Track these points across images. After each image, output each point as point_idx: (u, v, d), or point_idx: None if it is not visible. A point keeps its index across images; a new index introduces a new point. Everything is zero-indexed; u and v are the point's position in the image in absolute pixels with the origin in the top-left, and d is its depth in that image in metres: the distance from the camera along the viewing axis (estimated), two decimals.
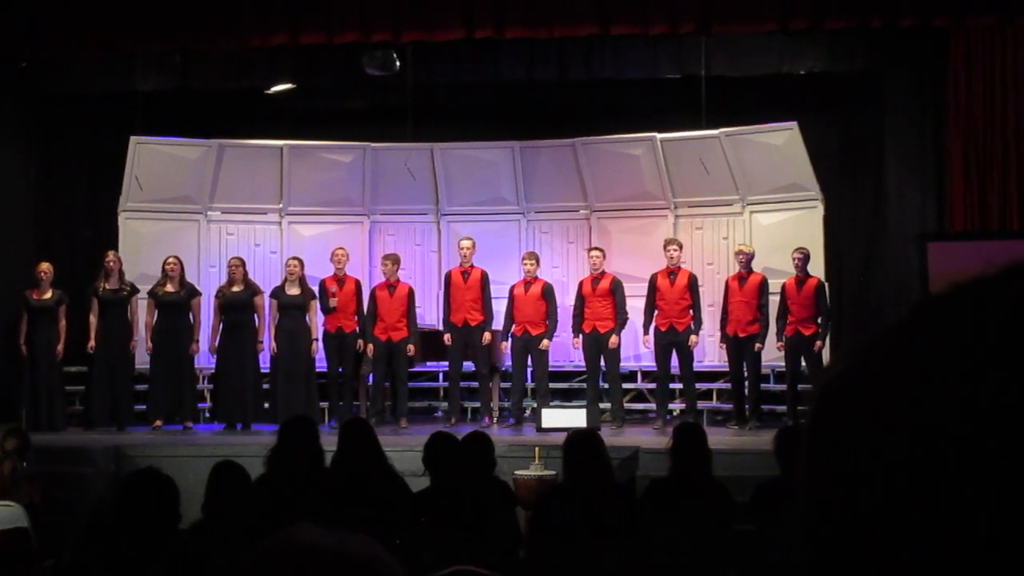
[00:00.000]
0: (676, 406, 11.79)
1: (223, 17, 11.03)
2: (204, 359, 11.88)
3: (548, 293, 11.52)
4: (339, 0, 10.92)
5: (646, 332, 11.42)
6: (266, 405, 11.41)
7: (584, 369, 11.76)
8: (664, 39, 11.74)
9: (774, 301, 11.23)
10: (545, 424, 10.73)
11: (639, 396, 12.58)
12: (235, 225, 13.11)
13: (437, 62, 12.58)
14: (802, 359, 10.98)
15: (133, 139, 12.46)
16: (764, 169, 12.15)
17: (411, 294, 11.69)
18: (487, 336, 11.54)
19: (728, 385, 11.71)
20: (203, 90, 12.87)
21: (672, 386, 11.69)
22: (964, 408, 0.63)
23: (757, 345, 11.11)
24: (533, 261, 11.64)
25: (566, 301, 12.00)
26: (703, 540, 5.33)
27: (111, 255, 11.58)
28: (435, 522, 5.29)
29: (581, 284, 11.66)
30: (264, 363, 11.53)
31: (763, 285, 11.25)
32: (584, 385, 11.82)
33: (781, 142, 12.02)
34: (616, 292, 11.38)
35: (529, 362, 11.58)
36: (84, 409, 11.70)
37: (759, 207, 12.36)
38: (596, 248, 11.83)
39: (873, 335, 0.70)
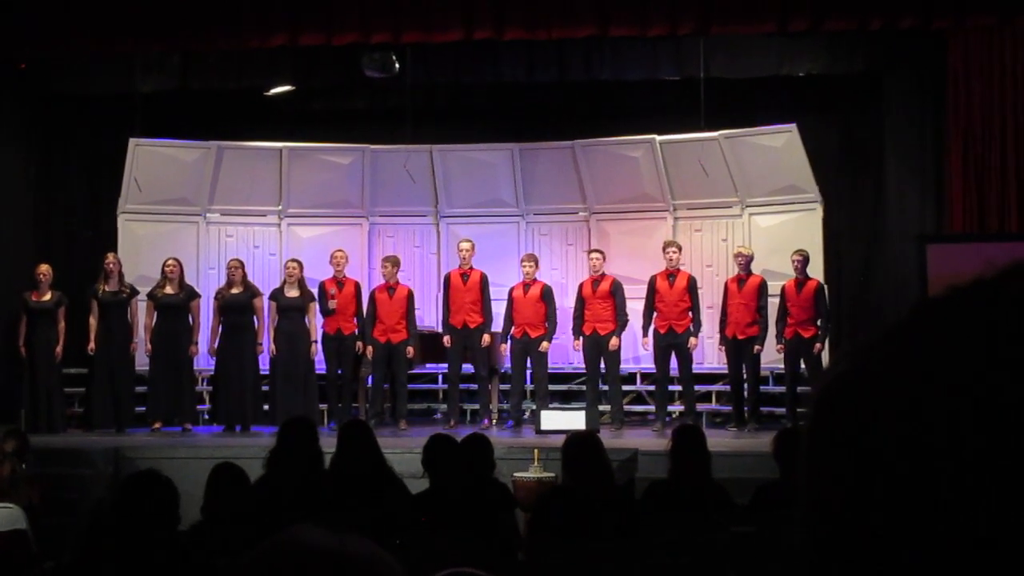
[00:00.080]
0: (675, 408, 11.79)
1: (222, 18, 11.02)
2: (203, 361, 11.88)
3: (547, 295, 11.52)
4: (338, 1, 10.92)
5: (645, 334, 11.42)
6: (265, 407, 11.40)
7: (583, 371, 11.76)
8: (663, 40, 11.75)
9: (773, 303, 11.23)
10: (544, 426, 10.72)
11: (638, 398, 12.58)
12: (234, 227, 13.11)
13: (436, 63, 12.59)
14: (801, 361, 10.98)
15: (132, 141, 12.46)
16: (763, 171, 12.15)
17: (410, 296, 11.69)
18: (486, 338, 11.54)
19: (727, 387, 11.72)
20: (202, 91, 12.88)
21: (671, 388, 11.69)
22: (964, 409, 0.63)
23: (756, 347, 11.11)
24: (532, 263, 11.64)
25: (565, 303, 12.00)
26: (702, 542, 5.33)
27: (111, 257, 11.58)
28: (434, 524, 5.29)
29: (581, 286, 11.66)
30: (263, 365, 11.53)
31: (762, 287, 11.25)
32: (583, 387, 11.82)
33: (780, 144, 12.03)
34: (616, 294, 11.38)
35: (528, 364, 11.58)
36: (85, 411, 11.69)
37: (758, 209, 12.37)
38: (596, 250, 11.83)
39: (872, 337, 0.70)
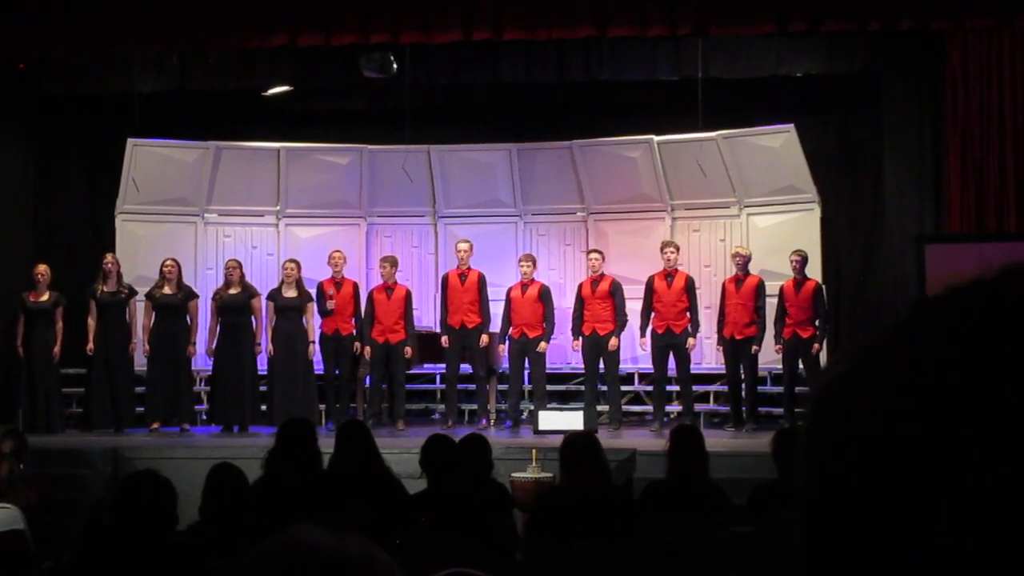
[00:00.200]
0: (673, 408, 11.78)
1: (221, 19, 11.03)
2: (201, 361, 11.88)
3: (545, 295, 11.52)
4: (337, 1, 10.92)
5: (643, 334, 11.43)
6: (263, 407, 11.41)
7: (581, 371, 11.76)
8: (662, 41, 11.75)
9: (771, 303, 11.23)
10: (542, 426, 10.72)
11: (636, 398, 12.57)
12: (232, 227, 13.11)
13: (435, 64, 12.58)
14: (799, 361, 10.97)
15: (130, 141, 12.46)
16: (761, 171, 12.16)
17: (408, 296, 11.69)
18: (484, 338, 11.54)
19: (725, 387, 11.72)
20: (201, 91, 12.87)
21: (669, 388, 11.68)
22: (963, 409, 0.63)
23: (754, 347, 11.11)
24: (530, 263, 11.64)
25: (563, 303, 12.01)
26: (700, 542, 5.33)
27: (109, 257, 11.57)
28: (432, 524, 5.29)
29: (580, 286, 11.67)
30: (261, 365, 11.53)
31: (760, 287, 11.26)
32: (581, 387, 11.82)
33: (778, 144, 12.03)
34: (616, 294, 11.39)
35: (526, 364, 11.58)
36: (83, 411, 11.69)
37: (756, 209, 12.37)
38: (595, 250, 11.83)
39: (871, 337, 0.70)
